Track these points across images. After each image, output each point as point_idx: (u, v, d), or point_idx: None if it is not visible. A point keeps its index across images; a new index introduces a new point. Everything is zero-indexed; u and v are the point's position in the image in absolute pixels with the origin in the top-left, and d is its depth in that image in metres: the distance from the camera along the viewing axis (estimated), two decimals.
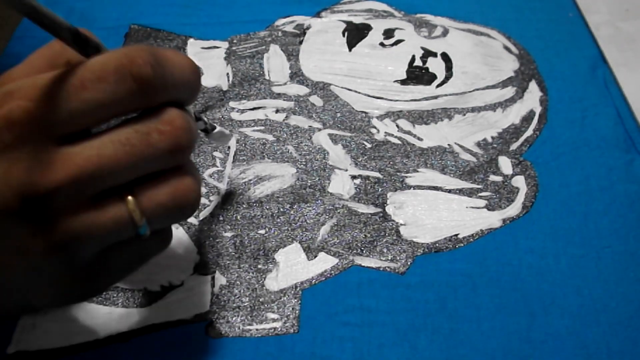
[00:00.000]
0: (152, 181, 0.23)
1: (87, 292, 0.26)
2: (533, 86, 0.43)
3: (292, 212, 0.36)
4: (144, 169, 0.23)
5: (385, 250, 0.35)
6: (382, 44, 0.46)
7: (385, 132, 0.40)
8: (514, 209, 0.36)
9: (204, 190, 0.37)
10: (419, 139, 0.40)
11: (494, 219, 0.36)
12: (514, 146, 0.40)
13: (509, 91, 0.43)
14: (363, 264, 0.34)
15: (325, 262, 0.34)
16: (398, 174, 0.38)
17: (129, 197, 0.23)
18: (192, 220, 0.36)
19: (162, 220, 0.24)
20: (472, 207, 0.36)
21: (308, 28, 0.47)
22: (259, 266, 0.34)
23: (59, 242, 0.22)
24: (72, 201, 0.22)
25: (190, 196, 0.24)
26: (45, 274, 0.23)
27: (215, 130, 0.33)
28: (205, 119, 0.32)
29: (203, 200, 0.37)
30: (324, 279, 0.34)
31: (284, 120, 0.41)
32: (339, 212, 0.36)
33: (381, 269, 0.34)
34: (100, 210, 0.22)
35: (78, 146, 0.22)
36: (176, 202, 0.24)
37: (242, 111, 0.42)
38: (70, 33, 0.22)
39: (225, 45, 0.46)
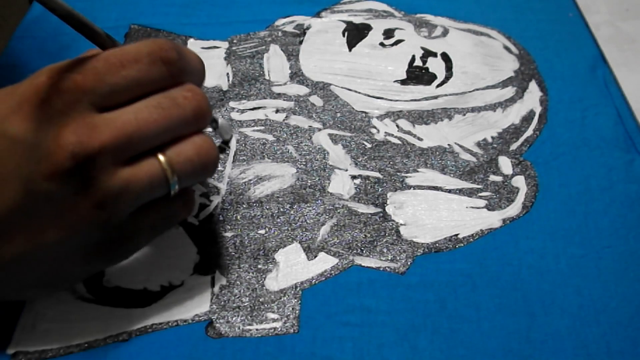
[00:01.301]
0: (179, 142, 0.27)
1: (113, 256, 0.29)
2: (533, 86, 0.43)
3: (292, 212, 0.36)
4: (173, 131, 0.27)
5: (385, 250, 0.35)
6: (382, 44, 0.46)
7: (385, 132, 0.40)
8: (514, 209, 0.36)
9: (204, 190, 0.37)
10: (419, 139, 0.40)
11: (494, 219, 0.36)
12: (514, 146, 0.40)
13: (509, 91, 0.43)
14: (363, 264, 0.34)
15: (325, 262, 0.34)
16: (398, 174, 0.38)
17: (161, 155, 0.26)
18: (192, 220, 0.36)
19: (189, 176, 0.28)
20: (472, 207, 0.36)
21: (308, 28, 0.47)
22: (259, 266, 0.34)
23: (100, 199, 0.25)
24: (114, 161, 0.25)
25: (212, 154, 0.28)
26: (79, 237, 0.26)
27: (221, 122, 0.37)
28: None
29: (203, 200, 0.37)
30: (324, 279, 0.34)
31: (284, 120, 0.41)
32: (339, 212, 0.36)
33: (381, 269, 0.34)
34: (136, 168, 0.26)
35: (117, 112, 0.25)
36: (201, 159, 0.28)
37: (242, 111, 0.42)
38: (104, 37, 0.27)
39: (225, 45, 0.46)
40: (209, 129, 0.38)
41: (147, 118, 0.26)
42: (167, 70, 0.26)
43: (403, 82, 0.43)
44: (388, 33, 0.46)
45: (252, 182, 0.38)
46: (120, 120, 0.25)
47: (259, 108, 0.42)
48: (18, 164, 0.24)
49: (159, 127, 0.26)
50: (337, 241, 0.35)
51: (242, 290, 0.33)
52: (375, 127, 0.41)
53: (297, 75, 0.44)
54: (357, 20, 0.48)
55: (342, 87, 0.43)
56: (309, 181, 0.38)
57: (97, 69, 0.25)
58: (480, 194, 0.37)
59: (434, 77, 0.44)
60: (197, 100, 0.27)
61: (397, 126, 0.41)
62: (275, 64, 0.45)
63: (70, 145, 0.24)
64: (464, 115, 0.42)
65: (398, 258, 0.34)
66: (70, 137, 0.24)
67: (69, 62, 0.25)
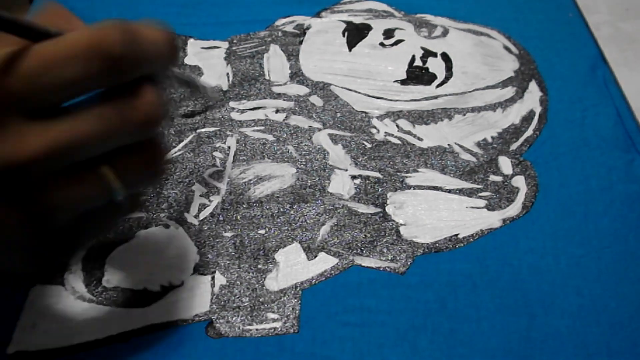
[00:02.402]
0: (126, 151, 0.24)
1: (56, 256, 0.26)
2: (533, 86, 0.43)
3: (292, 212, 0.36)
4: (117, 142, 0.23)
5: (385, 250, 0.35)
6: (382, 44, 0.46)
7: (385, 132, 0.40)
8: (514, 209, 0.36)
9: (204, 190, 0.37)
10: (419, 139, 0.40)
11: (494, 219, 0.36)
12: (514, 146, 0.40)
13: (509, 91, 0.43)
14: (363, 264, 0.34)
15: (325, 262, 0.34)
16: (398, 174, 0.38)
17: (105, 167, 0.23)
18: (192, 220, 0.36)
19: (135, 186, 0.25)
20: (472, 207, 0.36)
21: (308, 28, 0.47)
22: (259, 266, 0.34)
23: (35, 214, 0.23)
24: (47, 173, 0.22)
25: (161, 163, 0.25)
26: (17, 243, 0.24)
27: (203, 86, 0.32)
28: (190, 77, 0.32)
29: (203, 200, 0.37)
30: (324, 279, 0.34)
31: (284, 120, 0.41)
32: (339, 212, 0.36)
33: (381, 269, 0.34)
34: (76, 180, 0.23)
35: (51, 121, 0.22)
36: (148, 169, 0.25)
37: (242, 111, 0.42)
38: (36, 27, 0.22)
39: (225, 45, 0.46)
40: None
41: (84, 130, 0.22)
42: (109, 67, 0.22)
43: (403, 82, 0.43)
44: (388, 33, 0.46)
45: (252, 182, 0.38)
46: (53, 130, 0.22)
47: (259, 108, 0.42)
48: None
49: (98, 140, 0.23)
50: (337, 241, 0.35)
51: (242, 290, 0.33)
52: (375, 127, 0.41)
53: (297, 75, 0.44)
54: (357, 20, 0.48)
55: (342, 87, 0.43)
56: (309, 181, 0.38)
57: (26, 69, 0.21)
58: (480, 194, 0.37)
59: (434, 77, 0.44)
60: (146, 111, 0.23)
61: (397, 126, 0.41)
62: (275, 64, 0.45)
63: None
64: (464, 115, 0.42)
65: (398, 258, 0.34)
66: None
67: None
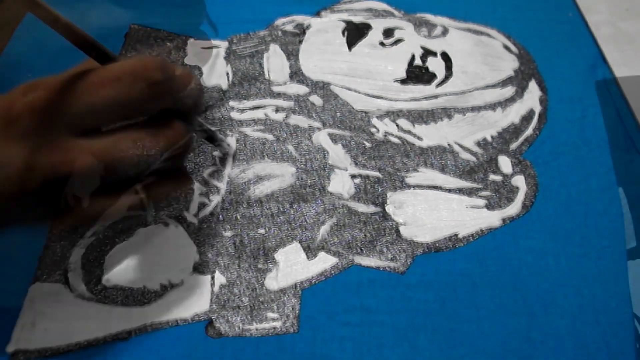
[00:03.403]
0: (159, 176, 0.27)
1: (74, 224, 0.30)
2: (533, 85, 0.43)
3: (292, 212, 0.36)
4: (149, 167, 0.26)
5: (385, 249, 0.35)
6: (382, 44, 0.46)
7: (385, 132, 0.40)
8: (513, 209, 0.36)
9: (204, 189, 0.37)
10: (419, 138, 0.40)
11: (493, 219, 0.36)
12: (513, 145, 0.40)
13: (509, 91, 0.43)
14: (363, 264, 0.34)
15: (325, 262, 0.34)
16: (398, 173, 0.38)
17: (139, 188, 0.26)
18: (192, 219, 0.36)
19: (162, 203, 0.30)
20: (472, 207, 0.36)
21: (308, 27, 0.47)
22: (259, 266, 0.34)
23: (71, 222, 0.25)
24: (86, 188, 0.25)
25: (187, 186, 0.31)
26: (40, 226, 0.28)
27: (224, 142, 0.38)
28: (211, 130, 0.35)
29: (203, 200, 0.37)
30: (323, 278, 0.34)
31: (283, 119, 0.41)
32: (338, 212, 0.36)
33: (381, 268, 0.34)
34: (112, 198, 0.26)
35: (95, 139, 0.24)
36: (175, 192, 0.29)
37: (242, 110, 0.42)
38: (102, 50, 0.25)
39: (225, 44, 0.46)
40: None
41: (123, 151, 0.25)
42: (150, 91, 0.25)
43: (403, 81, 0.43)
44: (388, 32, 0.46)
45: (252, 181, 0.38)
46: (95, 147, 0.24)
47: (258, 107, 0.42)
48: None
49: (134, 162, 0.25)
50: (337, 241, 0.35)
51: (242, 290, 0.33)
52: (375, 127, 0.41)
53: (296, 75, 0.44)
54: (357, 19, 0.48)
55: (341, 87, 0.43)
56: (309, 181, 0.38)
57: (75, 88, 0.24)
58: (480, 194, 0.37)
59: (433, 76, 0.44)
60: (177, 142, 0.26)
61: (397, 126, 0.41)
62: (275, 63, 0.45)
63: (40, 170, 0.23)
64: (464, 114, 0.42)
65: (398, 257, 0.34)
66: (42, 160, 0.23)
67: (48, 79, 0.24)
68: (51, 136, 0.23)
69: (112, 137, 0.25)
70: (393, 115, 0.41)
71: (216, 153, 0.39)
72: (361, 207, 0.36)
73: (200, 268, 0.34)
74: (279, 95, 0.42)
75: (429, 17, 0.48)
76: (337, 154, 0.39)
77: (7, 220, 0.25)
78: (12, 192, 0.23)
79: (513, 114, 0.41)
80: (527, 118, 0.41)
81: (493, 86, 0.43)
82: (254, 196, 0.37)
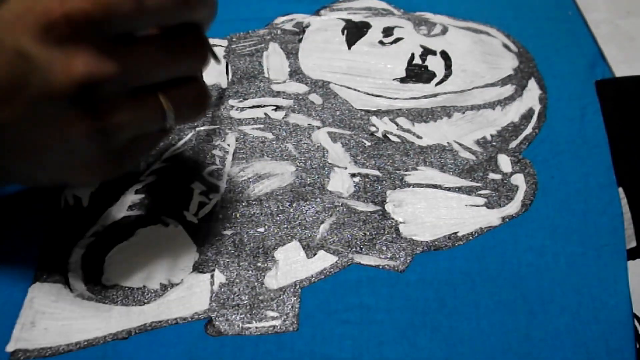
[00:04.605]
0: (179, 84, 0.29)
1: (112, 172, 0.30)
2: (532, 84, 0.43)
3: (291, 210, 0.36)
4: (175, 73, 0.28)
5: (384, 248, 0.35)
6: (381, 42, 0.46)
7: (385, 130, 0.40)
8: (513, 207, 0.36)
9: (203, 188, 0.37)
10: (418, 137, 0.40)
11: (493, 217, 0.36)
12: (513, 144, 0.40)
13: (508, 89, 0.43)
14: (362, 262, 0.34)
15: (324, 260, 0.34)
16: (397, 172, 0.38)
17: (162, 94, 0.28)
18: (191, 218, 0.36)
19: (185, 116, 0.30)
20: (472, 205, 0.36)
21: (307, 26, 0.47)
22: (259, 264, 0.34)
23: (102, 126, 0.26)
24: (118, 92, 0.26)
25: (205, 100, 0.30)
26: (80, 156, 0.28)
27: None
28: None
29: (202, 199, 0.37)
30: (323, 277, 0.34)
31: (283, 118, 0.41)
32: (338, 210, 0.36)
33: (380, 267, 0.34)
34: (140, 102, 0.27)
35: (127, 47, 0.26)
36: (197, 101, 0.30)
37: (242, 109, 0.42)
38: None
39: (224, 43, 0.46)
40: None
41: (154, 57, 0.27)
42: (184, 1, 0.27)
43: (402, 80, 0.43)
44: (387, 31, 0.46)
45: (251, 180, 0.38)
46: (129, 53, 0.26)
47: (258, 106, 0.42)
48: (27, 82, 0.25)
49: (163, 68, 0.28)
50: (337, 239, 0.35)
51: (241, 288, 0.33)
52: (374, 125, 0.41)
53: (296, 74, 0.44)
54: (357, 18, 0.48)
55: (341, 85, 0.43)
56: (308, 179, 0.38)
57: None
58: (479, 192, 0.37)
59: (433, 75, 0.44)
60: (200, 50, 0.29)
61: (397, 124, 0.41)
62: (274, 62, 0.45)
63: (78, 73, 0.25)
64: (463, 113, 0.42)
65: (397, 256, 0.34)
66: (79, 64, 0.25)
67: None
68: (87, 43, 0.25)
69: (142, 45, 0.27)
70: (392, 113, 0.41)
71: (215, 151, 0.39)
72: (361, 206, 0.36)
73: (199, 267, 0.34)
74: (278, 93, 0.42)
75: (429, 15, 0.48)
76: (336, 152, 0.39)
77: (54, 136, 0.27)
78: (52, 95, 0.25)
79: (512, 113, 0.41)
80: (526, 117, 0.41)
81: (492, 85, 0.43)
82: (254, 195, 0.37)
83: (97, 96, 0.26)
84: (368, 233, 0.35)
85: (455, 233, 0.35)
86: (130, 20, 0.26)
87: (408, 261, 0.34)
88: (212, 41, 0.46)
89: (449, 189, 0.37)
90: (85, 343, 0.31)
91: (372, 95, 0.42)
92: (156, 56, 0.27)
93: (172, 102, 0.28)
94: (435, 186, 0.37)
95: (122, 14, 0.25)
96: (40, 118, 0.26)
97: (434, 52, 0.45)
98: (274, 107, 0.42)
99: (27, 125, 0.26)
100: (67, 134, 0.26)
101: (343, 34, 0.46)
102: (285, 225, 0.36)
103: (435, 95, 0.42)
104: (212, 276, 0.34)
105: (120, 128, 0.27)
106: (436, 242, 0.35)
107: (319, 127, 0.40)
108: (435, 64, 0.44)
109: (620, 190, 0.37)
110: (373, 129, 0.40)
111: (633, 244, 0.35)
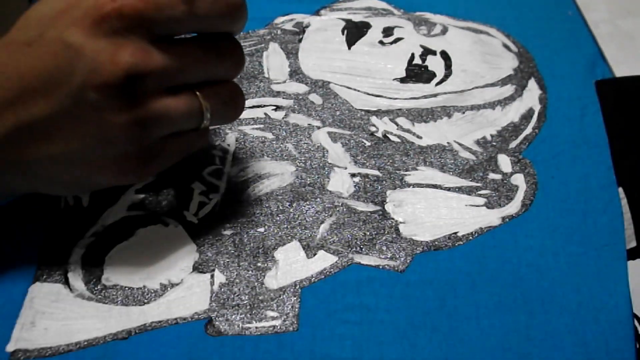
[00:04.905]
0: (216, 84, 0.31)
1: (141, 174, 0.31)
2: (532, 84, 0.43)
3: (291, 210, 0.36)
4: (212, 75, 0.30)
5: (384, 248, 0.35)
6: (381, 42, 0.46)
7: (385, 130, 0.40)
8: (513, 207, 0.36)
9: (203, 188, 0.37)
10: (418, 137, 0.40)
11: (493, 217, 0.36)
12: (513, 144, 0.40)
13: (508, 89, 0.43)
14: (362, 262, 0.34)
15: (324, 260, 0.34)
16: (397, 172, 0.38)
17: (199, 92, 0.30)
18: (191, 218, 0.36)
19: (220, 116, 0.31)
20: (472, 205, 0.36)
21: (307, 26, 0.47)
22: (259, 264, 0.34)
23: (141, 118, 0.28)
24: (159, 86, 0.28)
25: (241, 100, 0.32)
26: (114, 149, 0.29)
27: None
28: None
29: (202, 199, 0.37)
30: (323, 277, 0.34)
31: (283, 118, 0.41)
32: (338, 210, 0.36)
33: (380, 267, 0.34)
34: (177, 98, 0.29)
35: (172, 44, 0.28)
36: (232, 102, 0.32)
37: None
38: None
39: None
40: None
41: (195, 57, 0.29)
42: (228, 11, 0.29)
43: (402, 80, 0.43)
44: (387, 31, 0.46)
45: (251, 180, 0.38)
46: (174, 50, 0.28)
47: (258, 106, 0.42)
48: (72, 71, 0.26)
49: (202, 68, 0.29)
50: (337, 239, 0.35)
51: (241, 288, 0.33)
52: (374, 125, 0.41)
53: (296, 73, 0.44)
54: (357, 18, 0.48)
55: (341, 85, 0.43)
56: (308, 179, 0.38)
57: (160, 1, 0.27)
58: (479, 192, 0.37)
59: (433, 75, 0.44)
60: (237, 54, 0.31)
61: (397, 124, 0.41)
62: (274, 62, 0.45)
63: (125, 63, 0.26)
64: (463, 113, 0.42)
65: (397, 256, 0.34)
66: (126, 56, 0.26)
67: None
68: (134, 37, 0.27)
69: (184, 45, 0.29)
70: (392, 113, 0.41)
71: (215, 151, 0.39)
72: (361, 206, 0.36)
73: (199, 267, 0.34)
74: (278, 93, 0.42)
75: (429, 15, 0.48)
76: (336, 152, 0.39)
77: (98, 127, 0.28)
78: (97, 83, 0.26)
79: (512, 113, 0.41)
80: (526, 117, 0.41)
81: (492, 85, 0.43)
82: (254, 195, 0.37)
83: (140, 88, 0.27)
84: (368, 233, 0.35)
85: (455, 233, 0.35)
86: (178, 23, 0.28)
87: (408, 261, 0.34)
88: None
89: (449, 189, 0.37)
90: (85, 343, 0.31)
91: (372, 95, 0.42)
92: (197, 56, 0.29)
93: (208, 100, 0.30)
94: (435, 186, 0.37)
95: (172, 15, 0.27)
96: (80, 108, 0.27)
97: (434, 52, 0.45)
98: (274, 107, 0.42)
99: (64, 117, 0.27)
100: (106, 124, 0.27)
101: (343, 34, 0.46)
102: (285, 225, 0.36)
103: (435, 95, 0.42)
104: (212, 276, 0.34)
105: (157, 121, 0.28)
106: (436, 242, 0.35)
107: (319, 127, 0.40)
108: (435, 64, 0.44)
109: (620, 190, 0.37)
110: (373, 129, 0.40)
111: (633, 244, 0.35)
